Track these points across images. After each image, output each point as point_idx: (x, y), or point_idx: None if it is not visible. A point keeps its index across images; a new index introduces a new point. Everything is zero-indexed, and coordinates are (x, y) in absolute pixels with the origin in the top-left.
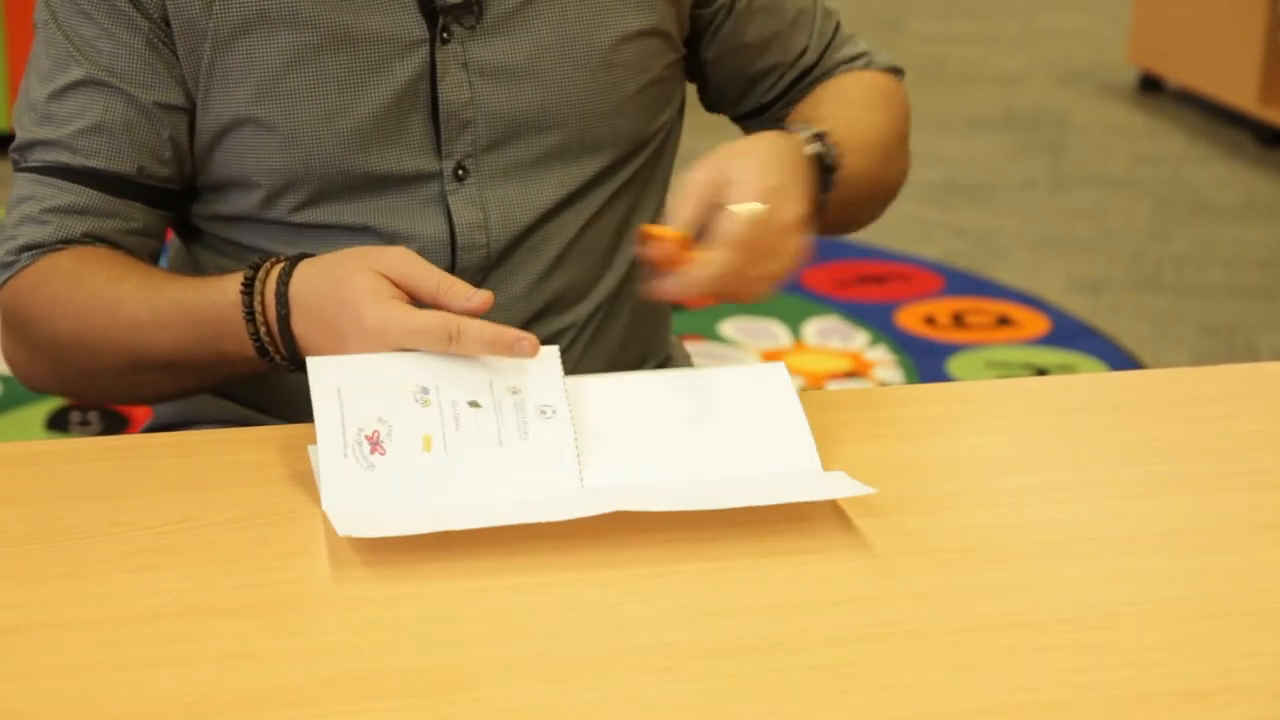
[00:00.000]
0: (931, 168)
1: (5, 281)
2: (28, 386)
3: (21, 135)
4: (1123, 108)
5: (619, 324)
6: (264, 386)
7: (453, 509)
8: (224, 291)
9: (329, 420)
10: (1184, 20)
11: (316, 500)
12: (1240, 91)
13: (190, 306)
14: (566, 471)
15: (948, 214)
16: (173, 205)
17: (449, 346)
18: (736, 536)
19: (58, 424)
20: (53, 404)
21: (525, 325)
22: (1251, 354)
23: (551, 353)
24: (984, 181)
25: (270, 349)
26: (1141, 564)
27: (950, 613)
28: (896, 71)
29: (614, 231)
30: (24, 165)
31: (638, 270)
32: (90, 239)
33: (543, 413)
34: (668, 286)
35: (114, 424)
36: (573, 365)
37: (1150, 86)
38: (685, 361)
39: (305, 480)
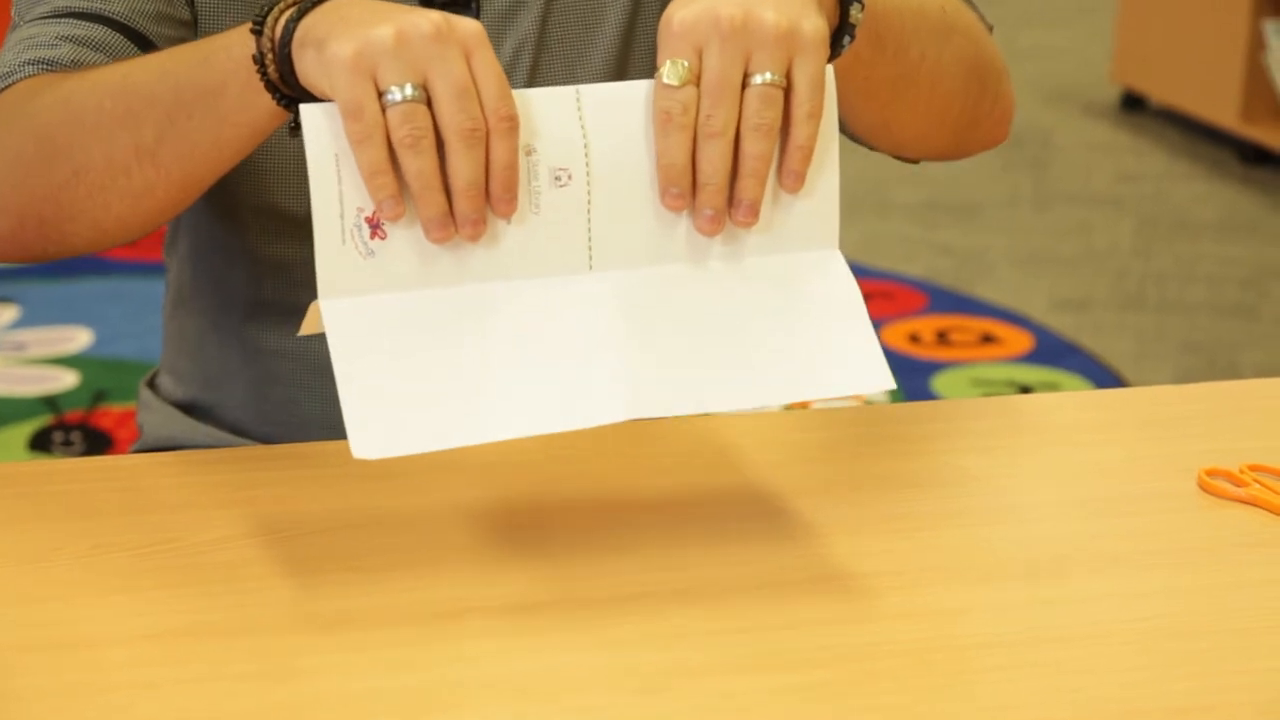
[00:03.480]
0: (916, 186)
1: (4, 89)
2: None
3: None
4: (1106, 126)
5: None
6: (250, 409)
7: (469, 412)
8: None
9: (325, 198)
10: (1166, 39)
11: (298, 521)
12: (1222, 110)
13: (192, 45)
14: (576, 254)
15: (932, 232)
16: None
17: (496, 120)
18: (719, 556)
19: (40, 444)
20: (35, 424)
21: None
22: (1233, 372)
23: (570, 97)
24: (968, 200)
25: (269, 23)
26: (1125, 582)
27: (935, 632)
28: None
29: None
30: (26, 19)
31: None
32: None
33: (557, 178)
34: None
35: (97, 444)
36: None
37: (1133, 105)
38: None
39: (288, 501)
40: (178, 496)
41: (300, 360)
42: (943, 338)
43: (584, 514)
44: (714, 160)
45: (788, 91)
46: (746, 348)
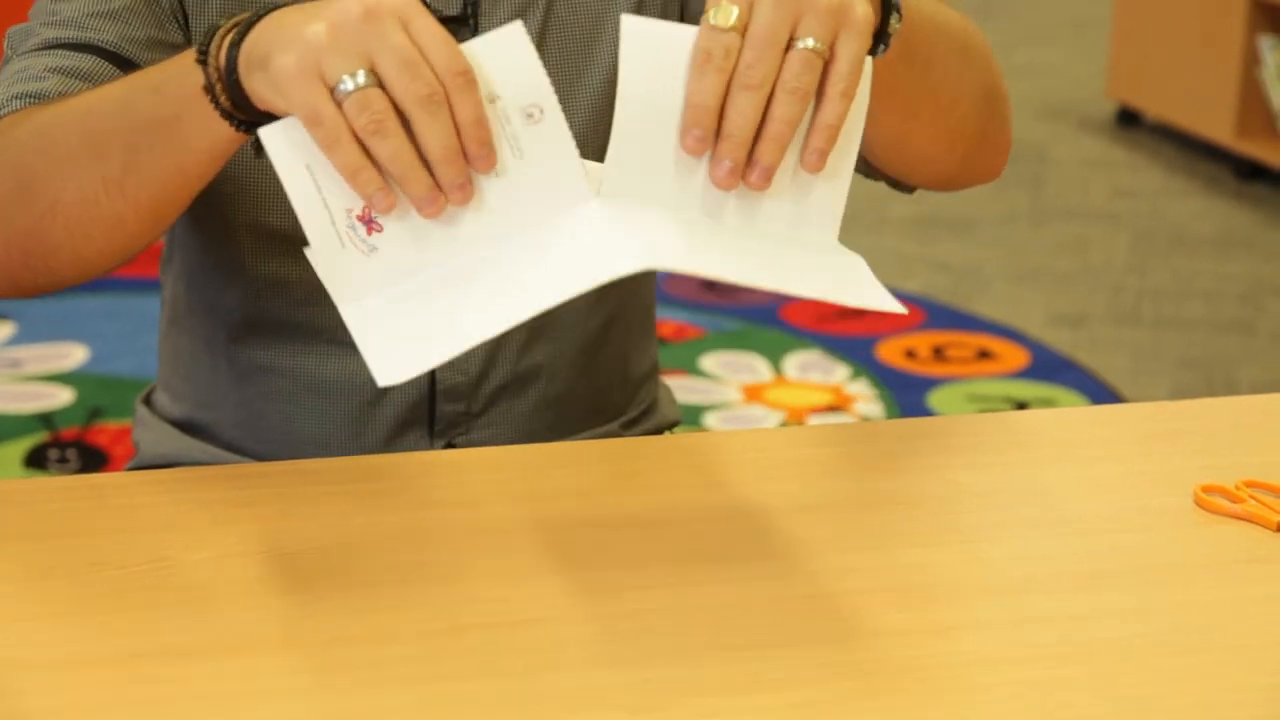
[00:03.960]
0: (912, 202)
1: None
2: None
3: (14, 30)
4: (1101, 141)
5: (609, 351)
6: (245, 427)
7: (471, 310)
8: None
9: (311, 210)
10: (1161, 54)
11: (293, 538)
12: (1217, 125)
13: (146, 71)
14: (575, 183)
15: (928, 248)
16: None
17: (452, 79)
18: (715, 573)
19: (35, 461)
20: (31, 441)
21: (516, 353)
22: (1230, 387)
23: (515, 35)
24: (964, 215)
25: (213, 52)
26: (1122, 599)
27: (931, 648)
28: None
29: None
30: (19, 52)
31: (628, 302)
32: None
33: (530, 116)
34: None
35: (92, 461)
36: (560, 376)
37: (1128, 120)
38: (671, 404)
39: (282, 518)
40: (173, 514)
41: (295, 377)
42: (939, 353)
43: (579, 531)
44: (745, 112)
45: (826, 66)
46: (765, 248)
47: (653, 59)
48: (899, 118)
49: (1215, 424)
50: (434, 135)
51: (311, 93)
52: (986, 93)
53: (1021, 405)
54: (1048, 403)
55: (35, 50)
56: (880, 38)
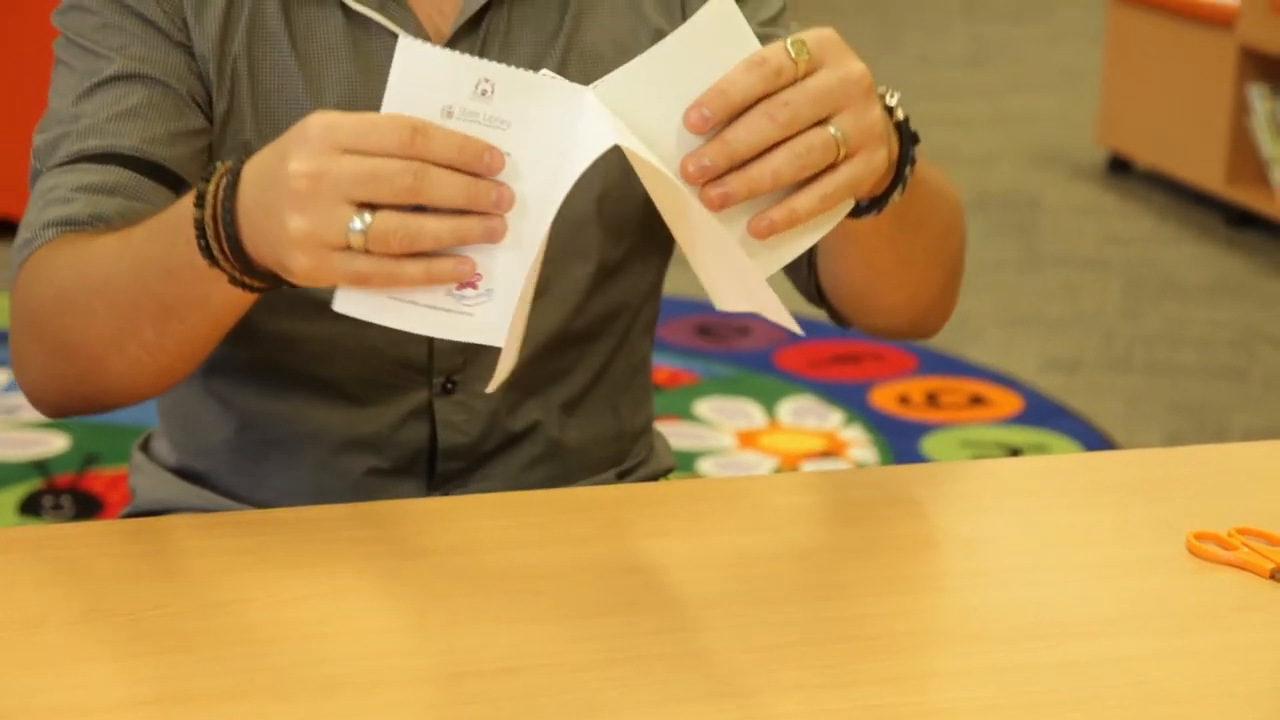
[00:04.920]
0: None
1: (27, 258)
2: (32, 399)
3: (41, 140)
4: (1092, 189)
5: (600, 406)
6: (244, 476)
7: (523, 235)
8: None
9: (426, 322)
10: (1152, 102)
11: (290, 585)
12: (1208, 173)
13: (150, 224)
14: (561, 91)
15: None
16: None
17: (412, 144)
18: (706, 620)
19: (30, 508)
20: (25, 488)
21: (511, 412)
22: (1222, 434)
23: (411, 51)
24: None
25: (219, 259)
26: (1114, 646)
27: (922, 696)
28: None
29: (604, 316)
30: (47, 166)
31: (623, 349)
32: (123, 221)
33: (484, 94)
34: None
35: (87, 508)
36: (557, 433)
37: (1119, 168)
38: (665, 451)
39: (280, 566)
40: (170, 561)
41: (298, 429)
42: (932, 399)
43: (573, 578)
44: (754, 132)
45: (830, 165)
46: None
47: (714, 40)
48: (877, 272)
49: (1208, 471)
50: (445, 195)
51: (340, 266)
52: (954, 267)
53: (1014, 451)
54: (1040, 449)
55: (61, 166)
56: (879, 201)
